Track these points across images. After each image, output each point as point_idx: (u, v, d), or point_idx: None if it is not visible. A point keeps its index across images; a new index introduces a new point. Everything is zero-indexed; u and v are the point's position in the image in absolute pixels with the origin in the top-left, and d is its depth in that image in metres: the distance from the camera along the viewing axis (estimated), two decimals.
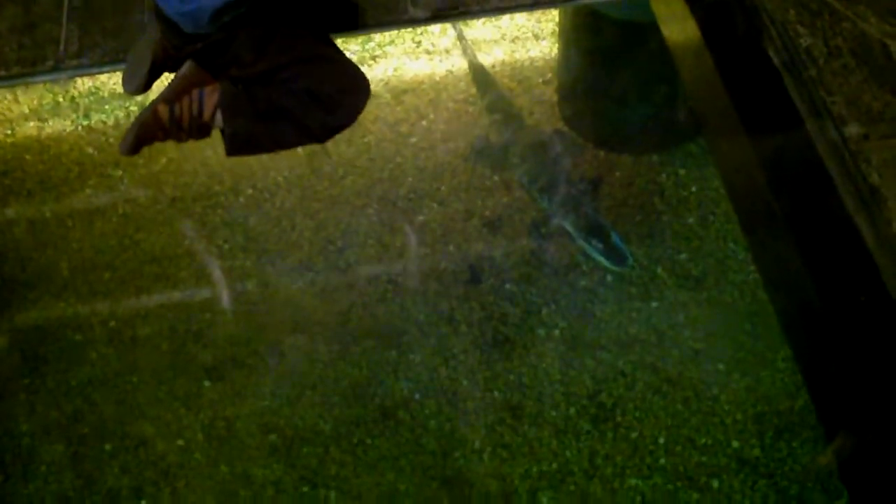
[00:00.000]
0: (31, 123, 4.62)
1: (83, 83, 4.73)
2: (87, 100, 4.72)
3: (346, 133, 4.15)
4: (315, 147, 4.25)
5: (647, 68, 4.14)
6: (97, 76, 4.66)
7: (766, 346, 3.69)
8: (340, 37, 3.19)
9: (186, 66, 2.79)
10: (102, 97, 4.71)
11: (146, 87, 2.94)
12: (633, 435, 3.58)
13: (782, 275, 3.38)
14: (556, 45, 4.65)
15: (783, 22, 3.04)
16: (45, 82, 3.48)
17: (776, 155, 3.13)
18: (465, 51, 4.63)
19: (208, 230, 4.19)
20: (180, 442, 3.69)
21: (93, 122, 4.62)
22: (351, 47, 4.65)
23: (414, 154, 4.31)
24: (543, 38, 4.71)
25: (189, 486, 3.60)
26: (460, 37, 4.67)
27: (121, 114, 4.63)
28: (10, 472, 3.66)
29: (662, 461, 3.51)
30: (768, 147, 3.17)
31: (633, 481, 3.49)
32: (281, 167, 4.30)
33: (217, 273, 4.08)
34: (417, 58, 4.68)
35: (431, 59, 4.67)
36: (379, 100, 4.47)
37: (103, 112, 4.66)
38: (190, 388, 3.81)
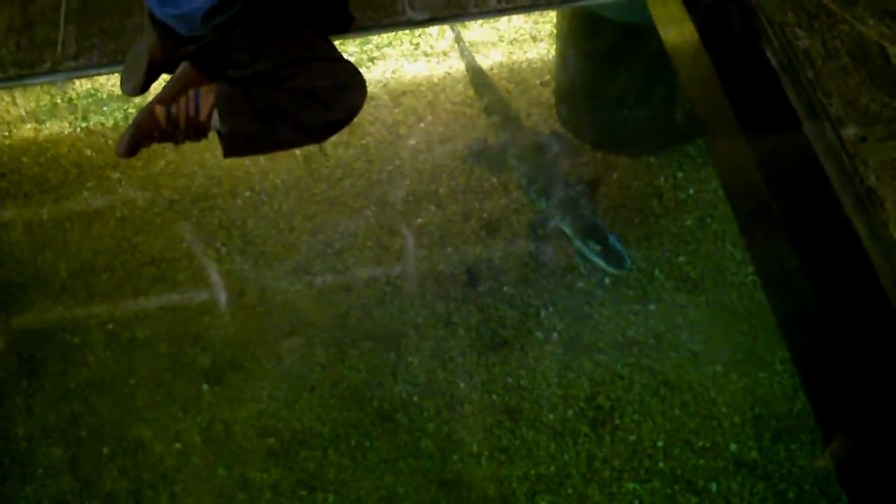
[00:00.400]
0: (29, 125, 4.62)
1: (81, 85, 4.73)
2: (85, 101, 4.71)
3: (344, 135, 4.18)
4: (313, 149, 4.26)
5: (644, 70, 4.13)
6: (96, 78, 4.65)
7: (764, 349, 3.69)
8: (338, 38, 3.18)
9: (182, 67, 2.79)
10: (101, 99, 4.71)
11: (144, 88, 2.95)
12: (631, 438, 3.58)
13: (780, 277, 3.37)
14: (554, 47, 4.65)
15: (781, 24, 3.04)
16: (42, 84, 3.48)
17: (774, 157, 3.13)
18: (463, 53, 4.63)
19: (206, 233, 4.19)
20: (178, 445, 3.69)
21: (91, 123, 4.62)
22: (349, 49, 4.65)
23: (412, 156, 4.31)
24: (541, 40, 4.71)
25: (187, 489, 3.60)
26: (458, 39, 4.67)
27: (119, 116, 4.62)
28: (8, 475, 3.66)
29: (661, 464, 3.51)
30: (766, 149, 3.16)
31: (630, 485, 3.48)
32: (279, 169, 4.30)
33: (215, 276, 4.08)
34: (415, 60, 4.68)
35: (429, 61, 4.67)
36: (377, 102, 4.47)
37: (102, 114, 4.65)
38: (188, 391, 3.81)
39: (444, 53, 4.69)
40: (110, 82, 4.65)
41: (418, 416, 3.67)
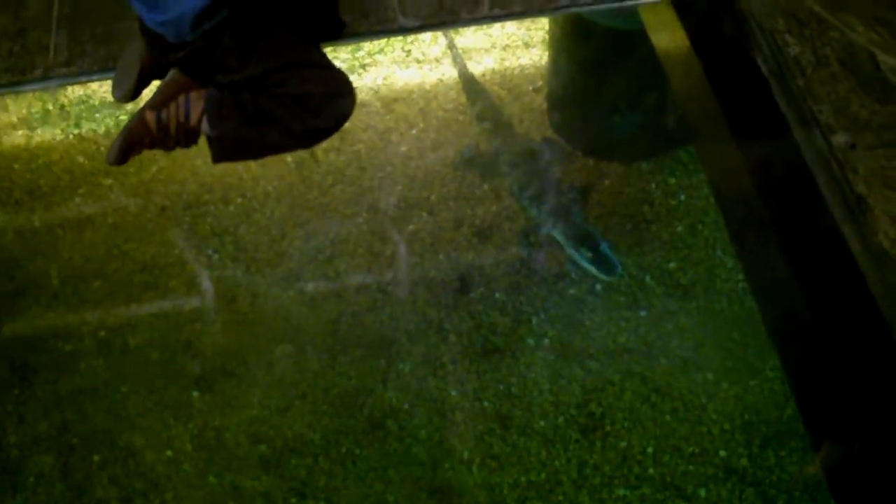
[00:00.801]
0: (21, 132, 4.61)
1: (73, 91, 4.72)
2: (77, 108, 4.70)
3: (335, 142, 4.18)
4: (304, 156, 4.25)
5: (636, 77, 4.14)
6: (88, 84, 4.64)
7: (754, 356, 3.69)
8: (329, 45, 3.18)
9: (172, 73, 2.79)
10: (93, 105, 4.70)
11: (135, 94, 2.95)
12: (622, 444, 3.57)
13: (771, 284, 3.38)
14: (546, 53, 4.65)
15: (771, 31, 3.05)
16: (34, 90, 3.47)
17: (765, 164, 3.14)
18: (455, 59, 4.63)
19: (198, 239, 4.18)
20: (169, 453, 3.68)
21: (83, 130, 4.60)
22: (340, 56, 4.64)
23: (403, 163, 4.31)
24: (533, 47, 4.71)
25: (178, 497, 3.59)
26: (450, 45, 4.67)
27: (111, 122, 4.61)
28: None
29: (651, 471, 3.51)
30: (757, 156, 3.17)
31: (621, 491, 3.48)
32: (270, 176, 4.29)
33: (207, 282, 4.07)
34: (407, 66, 4.68)
35: (421, 68, 4.67)
36: (368, 108, 4.47)
37: (94, 121, 4.65)
38: (179, 399, 3.80)
39: (436, 60, 4.69)
40: (102, 89, 4.64)
41: (409, 423, 3.67)
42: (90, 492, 3.61)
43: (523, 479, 3.52)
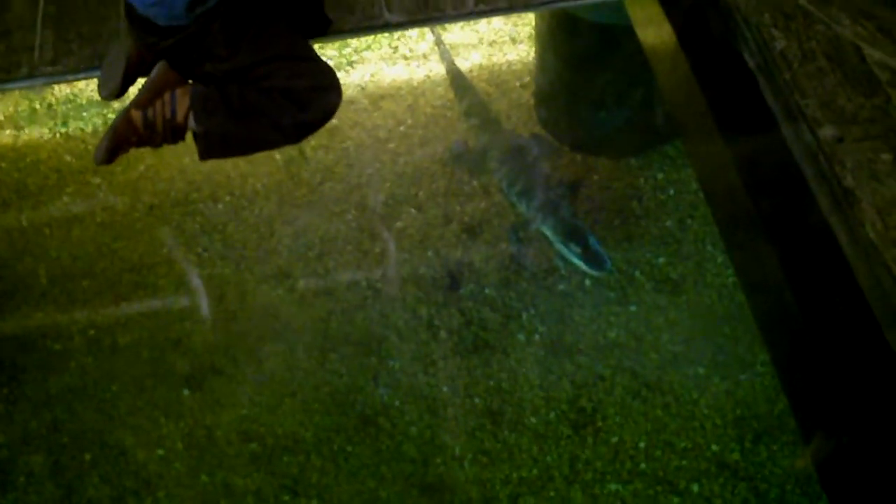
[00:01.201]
0: (7, 131, 4.59)
1: (60, 90, 4.71)
2: (64, 107, 4.69)
3: (323, 139, 4.17)
4: (293, 153, 4.25)
5: (623, 72, 4.14)
6: (75, 83, 4.63)
7: (745, 350, 3.70)
8: (317, 42, 3.17)
9: (157, 70, 2.78)
10: (80, 104, 4.69)
11: (121, 91, 2.93)
12: (614, 440, 3.58)
13: (760, 278, 3.38)
14: (533, 48, 4.65)
15: (758, 25, 3.04)
16: (20, 89, 3.46)
17: (752, 158, 3.14)
18: (443, 55, 4.63)
19: (187, 238, 4.17)
20: (160, 451, 3.68)
21: (71, 129, 4.60)
22: (328, 53, 4.64)
23: (392, 160, 4.31)
24: (520, 42, 4.71)
25: (169, 495, 3.59)
26: (437, 41, 4.67)
27: (99, 121, 4.61)
28: None
29: (643, 466, 3.51)
30: (745, 150, 3.17)
31: (613, 486, 3.49)
32: (259, 174, 4.29)
33: (196, 281, 4.07)
34: (395, 63, 4.68)
35: (409, 65, 4.66)
36: (356, 105, 4.47)
37: (81, 119, 4.64)
38: (170, 397, 3.80)
39: (424, 57, 4.68)
40: (89, 87, 4.63)
41: (400, 420, 3.67)
42: (81, 491, 3.61)
43: (515, 475, 3.53)
